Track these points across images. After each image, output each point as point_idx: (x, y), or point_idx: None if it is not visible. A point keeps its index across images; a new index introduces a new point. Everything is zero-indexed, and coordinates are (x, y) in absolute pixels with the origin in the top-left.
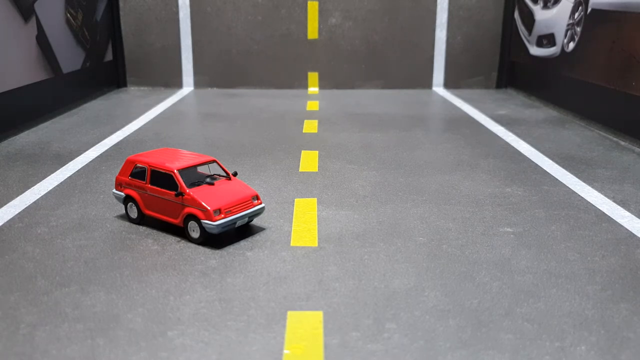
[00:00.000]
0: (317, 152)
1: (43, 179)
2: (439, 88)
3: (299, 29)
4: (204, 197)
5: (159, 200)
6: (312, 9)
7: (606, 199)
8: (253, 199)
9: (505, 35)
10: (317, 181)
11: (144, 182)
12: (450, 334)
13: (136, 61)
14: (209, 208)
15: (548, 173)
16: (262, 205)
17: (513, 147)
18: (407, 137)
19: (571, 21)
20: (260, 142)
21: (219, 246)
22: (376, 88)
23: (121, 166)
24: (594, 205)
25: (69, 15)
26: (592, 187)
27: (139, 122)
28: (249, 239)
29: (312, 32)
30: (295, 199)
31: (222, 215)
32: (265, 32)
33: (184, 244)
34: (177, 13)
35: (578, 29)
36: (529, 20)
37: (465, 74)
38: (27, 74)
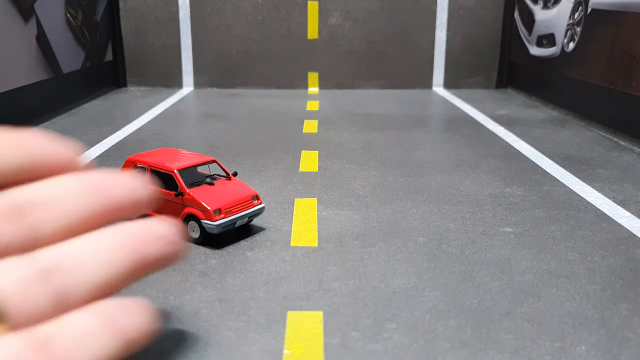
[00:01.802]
0: (317, 152)
1: None
2: (439, 88)
3: (299, 29)
4: (204, 197)
5: (159, 200)
6: (312, 9)
7: (606, 199)
8: (253, 199)
9: (505, 35)
10: (317, 181)
11: None
12: (450, 334)
13: (136, 61)
14: (209, 208)
15: (548, 173)
16: (262, 205)
17: (513, 147)
18: (407, 137)
19: (571, 21)
20: (260, 142)
21: (219, 246)
22: (376, 88)
23: (121, 166)
24: (594, 205)
25: (69, 15)
26: (592, 187)
27: (139, 122)
28: (249, 239)
29: (312, 32)
30: (295, 199)
31: (222, 215)
32: (265, 32)
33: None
34: (177, 13)
35: (578, 29)
36: (529, 20)
37: (465, 74)
38: (27, 74)
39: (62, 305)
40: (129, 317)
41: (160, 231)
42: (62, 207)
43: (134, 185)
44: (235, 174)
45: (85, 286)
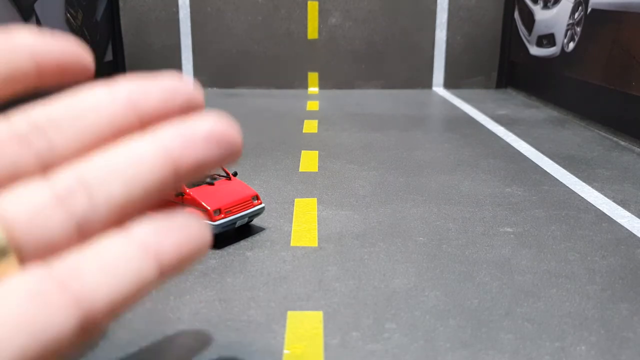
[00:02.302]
0: (317, 152)
1: None
2: (439, 88)
3: (299, 29)
4: (204, 197)
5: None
6: (312, 9)
7: (606, 199)
8: (253, 199)
9: (505, 35)
10: (317, 181)
11: None
12: (450, 334)
13: (136, 61)
14: (209, 208)
15: (548, 173)
16: (262, 205)
17: (513, 147)
18: (407, 137)
19: (571, 21)
20: (260, 142)
21: (219, 246)
22: (376, 88)
23: None
24: (594, 205)
25: (69, 15)
26: (592, 187)
27: None
28: (249, 239)
29: (312, 32)
30: (295, 199)
31: (222, 215)
32: (265, 32)
33: None
34: (177, 13)
35: (578, 29)
36: (529, 20)
37: (465, 74)
38: None
39: (86, 231)
40: (169, 236)
41: (205, 127)
42: (86, 122)
43: (177, 89)
44: (235, 174)
45: (108, 206)
